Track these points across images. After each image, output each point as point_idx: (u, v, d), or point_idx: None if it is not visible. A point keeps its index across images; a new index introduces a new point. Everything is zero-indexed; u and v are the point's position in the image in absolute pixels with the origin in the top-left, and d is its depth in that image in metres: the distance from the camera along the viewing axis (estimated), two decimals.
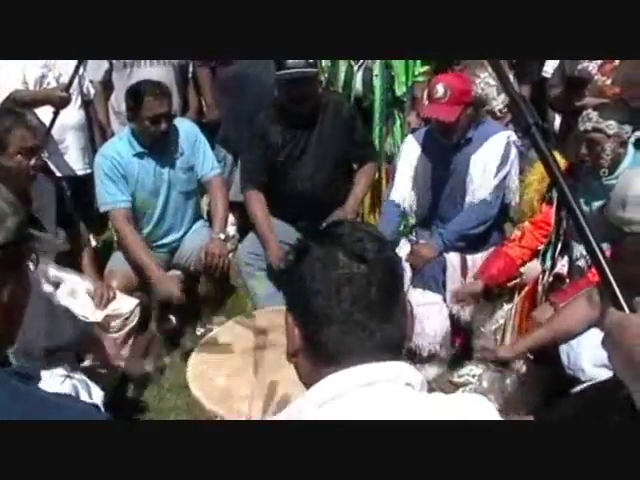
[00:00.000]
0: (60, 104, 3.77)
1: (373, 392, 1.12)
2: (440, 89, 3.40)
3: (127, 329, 3.26)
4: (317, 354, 1.18)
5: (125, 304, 3.35)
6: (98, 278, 3.44)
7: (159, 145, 3.65)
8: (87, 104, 4.42)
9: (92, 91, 4.49)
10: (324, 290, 1.16)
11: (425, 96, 3.58)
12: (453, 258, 3.59)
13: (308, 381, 1.19)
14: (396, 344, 1.19)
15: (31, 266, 1.29)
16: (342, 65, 4.21)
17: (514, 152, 3.53)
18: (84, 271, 3.41)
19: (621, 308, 1.19)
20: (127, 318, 3.29)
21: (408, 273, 3.54)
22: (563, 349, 2.82)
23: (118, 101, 4.48)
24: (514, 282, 3.39)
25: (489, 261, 3.44)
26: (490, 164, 3.51)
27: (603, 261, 1.23)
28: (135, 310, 3.34)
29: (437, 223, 3.72)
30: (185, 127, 3.81)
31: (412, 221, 3.83)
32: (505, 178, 3.53)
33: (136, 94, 3.56)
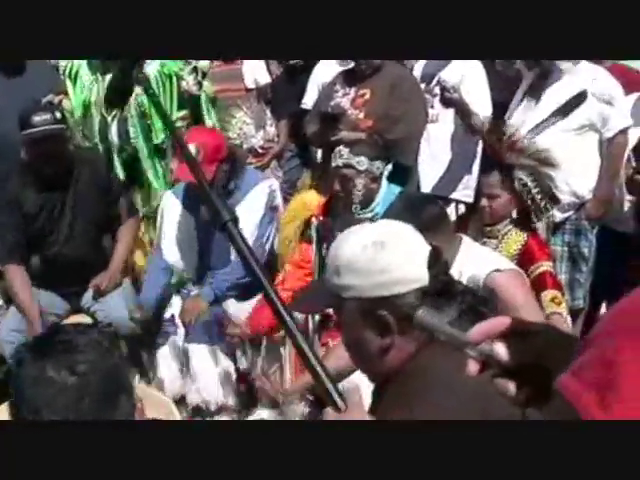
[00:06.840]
0: None
1: None
2: (193, 150, 3.19)
3: None
4: None
5: None
6: None
7: None
8: None
9: None
10: (37, 405, 1.21)
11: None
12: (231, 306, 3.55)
13: None
14: None
15: None
16: (95, 117, 4.05)
17: (277, 200, 3.66)
18: None
19: (336, 405, 1.11)
20: None
21: (181, 329, 3.52)
22: None
23: None
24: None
25: (256, 310, 3.36)
26: (253, 214, 3.51)
27: (308, 351, 1.18)
28: None
29: (208, 275, 3.68)
30: None
31: (185, 276, 3.75)
32: (268, 226, 3.60)
33: None
